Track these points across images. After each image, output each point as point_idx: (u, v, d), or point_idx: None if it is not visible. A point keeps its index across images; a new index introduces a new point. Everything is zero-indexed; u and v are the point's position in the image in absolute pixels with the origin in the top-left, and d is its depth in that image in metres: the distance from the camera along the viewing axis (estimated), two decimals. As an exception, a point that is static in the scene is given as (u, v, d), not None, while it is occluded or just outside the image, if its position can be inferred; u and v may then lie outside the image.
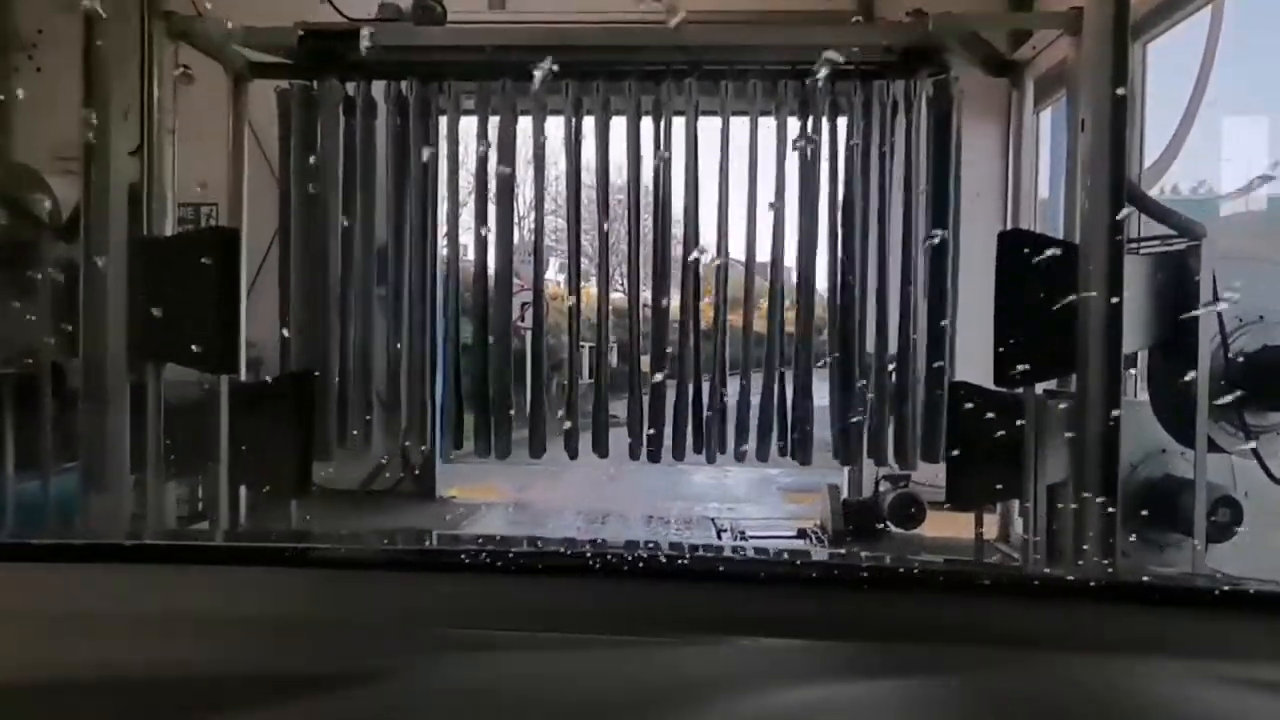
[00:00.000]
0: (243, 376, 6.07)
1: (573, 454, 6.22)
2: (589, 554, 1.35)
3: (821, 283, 6.24)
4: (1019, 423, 4.26)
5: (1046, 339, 3.79)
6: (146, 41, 5.32)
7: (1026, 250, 3.79)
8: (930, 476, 6.28)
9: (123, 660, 1.03)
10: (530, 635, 1.07)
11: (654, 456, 6.24)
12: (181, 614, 1.15)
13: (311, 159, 5.96)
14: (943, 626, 1.11)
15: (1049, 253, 3.70)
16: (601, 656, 1.03)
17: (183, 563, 1.35)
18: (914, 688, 0.97)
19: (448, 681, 0.99)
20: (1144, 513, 4.26)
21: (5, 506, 4.77)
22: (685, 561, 1.41)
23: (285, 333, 5.98)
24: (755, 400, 6.21)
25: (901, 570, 1.42)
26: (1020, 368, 3.92)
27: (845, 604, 1.18)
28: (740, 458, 6.25)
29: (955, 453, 4.53)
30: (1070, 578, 1.34)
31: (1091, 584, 1.30)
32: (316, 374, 5.50)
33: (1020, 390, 4.23)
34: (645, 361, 6.39)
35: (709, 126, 6.10)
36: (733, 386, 6.31)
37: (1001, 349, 3.88)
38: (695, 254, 6.01)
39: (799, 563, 1.45)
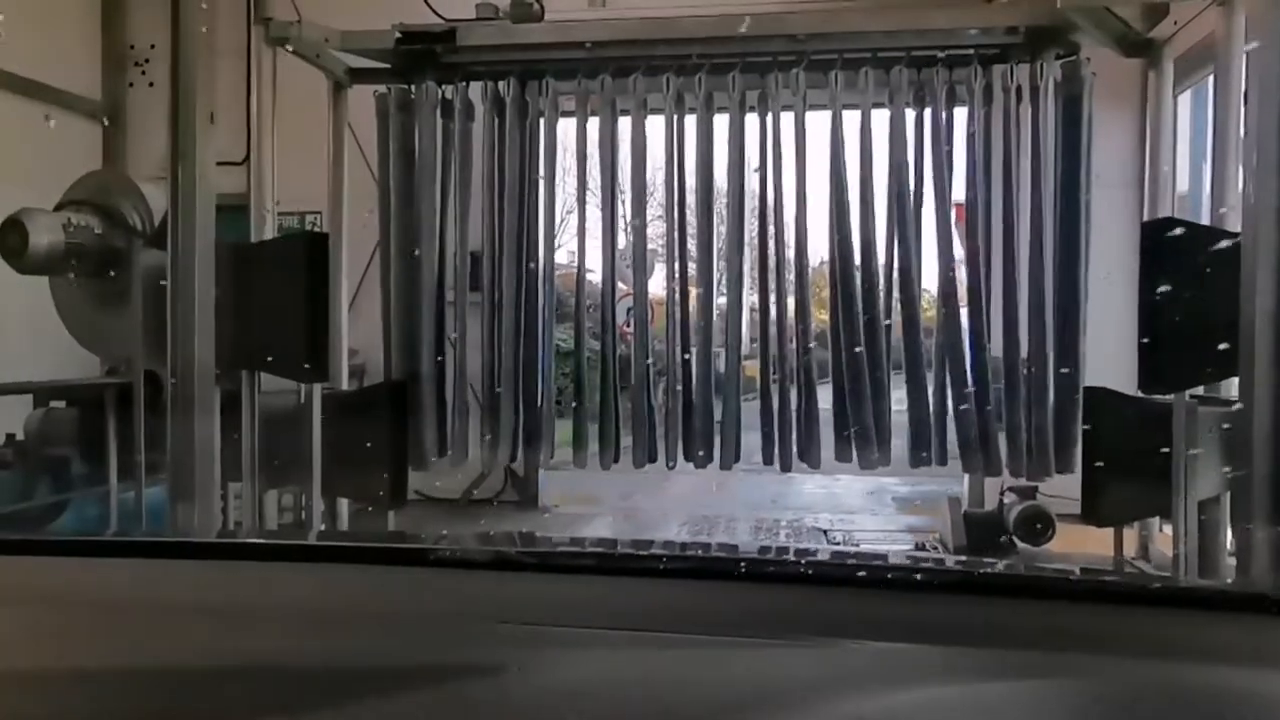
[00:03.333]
0: (344, 385, 6.08)
1: (670, 464, 5.99)
2: (696, 556, 1.42)
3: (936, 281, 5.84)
4: (1165, 432, 3.87)
5: (1201, 339, 3.39)
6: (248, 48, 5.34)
7: (1177, 241, 3.40)
8: (1059, 488, 5.86)
9: (241, 650, 1.09)
10: (639, 635, 1.08)
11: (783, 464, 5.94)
12: (297, 609, 1.20)
13: (410, 163, 5.88)
14: (1049, 633, 1.08)
15: (1204, 243, 3.31)
16: (709, 657, 1.04)
17: (292, 560, 1.40)
18: (1020, 692, 0.97)
19: (558, 677, 1.01)
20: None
21: (108, 509, 4.82)
22: (792, 565, 1.42)
23: (384, 340, 5.91)
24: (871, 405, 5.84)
25: (1008, 576, 1.40)
26: (1169, 371, 3.54)
27: (952, 609, 1.16)
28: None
29: (1092, 464, 4.16)
30: (1183, 585, 1.38)
31: (1209, 594, 1.30)
32: (411, 382, 5.40)
33: (1167, 396, 3.84)
34: (751, 367, 6.10)
35: (817, 121, 5.81)
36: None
37: (1147, 351, 3.50)
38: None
39: (906, 567, 1.46)
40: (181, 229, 3.37)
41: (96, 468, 4.90)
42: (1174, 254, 3.40)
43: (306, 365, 3.83)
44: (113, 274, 3.92)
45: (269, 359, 3.83)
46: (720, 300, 6.06)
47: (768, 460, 5.89)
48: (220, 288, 3.54)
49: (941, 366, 5.69)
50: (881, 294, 5.72)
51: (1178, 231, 3.52)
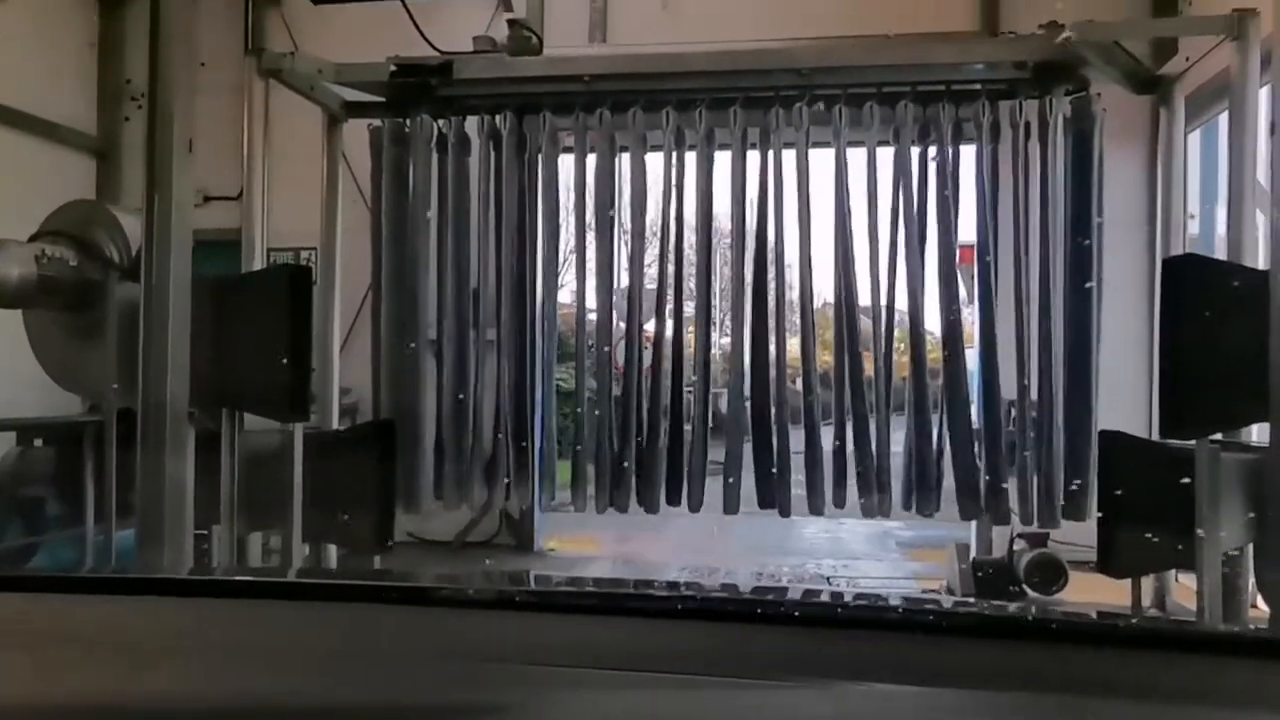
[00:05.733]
0: (335, 424, 5.90)
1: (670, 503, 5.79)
2: (702, 598, 1.38)
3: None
4: (1186, 479, 3.69)
5: (1226, 380, 3.22)
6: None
7: (1200, 278, 3.24)
8: (1072, 535, 5.67)
9: (233, 690, 1.09)
10: (642, 675, 1.07)
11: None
12: (295, 648, 1.18)
13: (404, 197, 5.75)
14: (1062, 677, 1.06)
15: (1228, 279, 3.15)
16: (714, 698, 1.04)
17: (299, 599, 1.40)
18: None
19: (559, 718, 1.02)
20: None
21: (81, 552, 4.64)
22: (798, 606, 1.42)
23: (373, 378, 5.75)
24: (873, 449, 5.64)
25: (1014, 619, 1.38)
26: (1192, 415, 3.36)
27: (957, 652, 1.14)
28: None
29: (1108, 513, 3.96)
30: (1201, 630, 1.38)
31: (1227, 638, 1.31)
32: (402, 421, 5.23)
33: (1188, 441, 3.66)
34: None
35: (821, 158, 5.67)
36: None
37: (1170, 394, 3.33)
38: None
39: (915, 609, 1.44)
40: (156, 261, 3.21)
41: (73, 509, 4.73)
42: (1196, 291, 3.23)
43: (286, 404, 3.66)
44: (88, 307, 3.77)
45: (247, 397, 3.66)
46: (724, 340, 5.89)
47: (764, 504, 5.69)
48: (198, 322, 3.37)
49: (946, 410, 5.52)
50: (885, 334, 5.58)
51: (1201, 267, 3.37)
